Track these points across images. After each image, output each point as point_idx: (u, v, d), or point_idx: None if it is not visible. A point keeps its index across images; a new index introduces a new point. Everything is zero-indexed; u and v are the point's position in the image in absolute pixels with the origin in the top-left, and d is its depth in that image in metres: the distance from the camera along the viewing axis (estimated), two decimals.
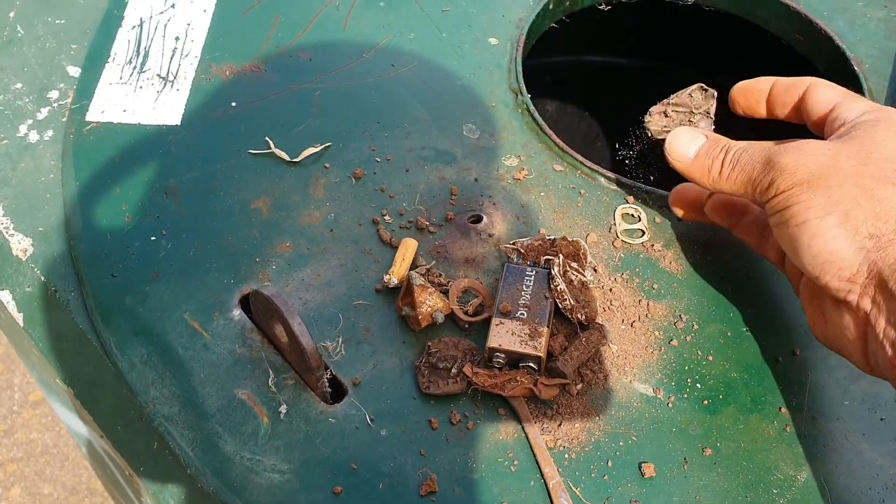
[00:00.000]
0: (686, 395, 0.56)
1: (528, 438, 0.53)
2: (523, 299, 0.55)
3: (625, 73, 1.09)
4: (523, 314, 0.55)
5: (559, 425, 0.54)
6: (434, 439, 0.53)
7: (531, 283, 0.56)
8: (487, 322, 0.56)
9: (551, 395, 0.54)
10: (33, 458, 1.91)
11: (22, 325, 0.63)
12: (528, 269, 0.57)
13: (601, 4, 0.85)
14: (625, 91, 1.01)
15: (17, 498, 1.85)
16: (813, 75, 0.80)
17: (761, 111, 0.60)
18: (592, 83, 1.11)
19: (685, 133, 0.57)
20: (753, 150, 0.52)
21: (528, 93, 0.73)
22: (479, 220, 0.64)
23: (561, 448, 0.53)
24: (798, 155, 0.49)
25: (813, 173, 0.48)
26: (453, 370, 0.55)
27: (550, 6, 0.81)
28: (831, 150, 0.49)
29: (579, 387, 0.55)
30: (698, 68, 1.01)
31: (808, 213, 0.48)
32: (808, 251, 0.48)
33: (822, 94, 0.56)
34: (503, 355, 0.54)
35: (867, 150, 0.49)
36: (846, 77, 0.77)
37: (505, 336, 0.54)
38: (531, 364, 0.54)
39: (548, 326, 0.54)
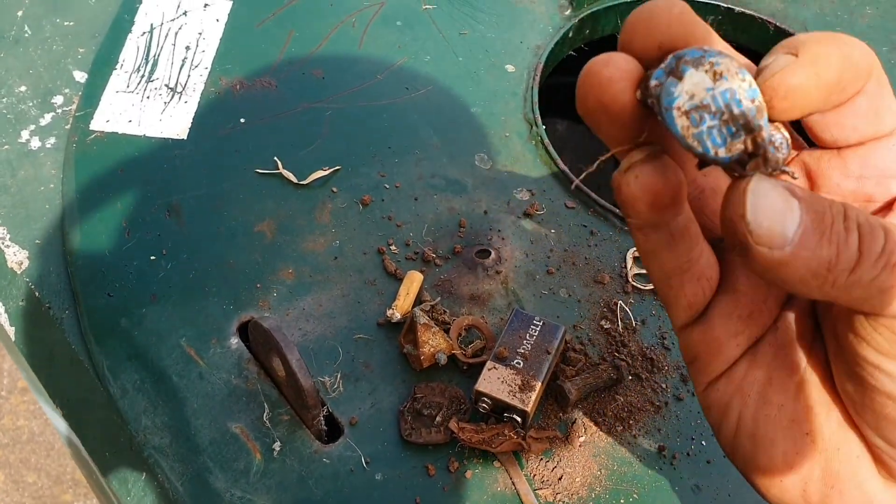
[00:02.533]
0: (690, 454, 0.54)
1: (518, 495, 0.52)
2: (523, 348, 0.54)
3: None
4: (519, 363, 0.53)
5: (560, 479, 0.52)
6: (430, 487, 0.52)
7: (535, 334, 0.54)
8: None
9: (541, 449, 0.53)
10: (19, 446, 1.89)
11: (13, 339, 0.61)
12: (537, 319, 0.55)
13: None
14: None
15: (0, 485, 1.83)
16: None
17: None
18: None
19: (773, 192, 0.27)
20: None
21: (540, 110, 0.71)
22: (486, 254, 0.63)
23: (560, 503, 0.52)
24: None
25: None
26: (438, 418, 0.53)
27: (570, 35, 0.79)
28: None
29: (582, 438, 0.54)
30: None
31: None
32: None
33: None
34: (489, 402, 0.52)
35: None
36: None
37: (495, 382, 0.53)
38: (515, 417, 0.52)
39: (542, 382, 0.53)
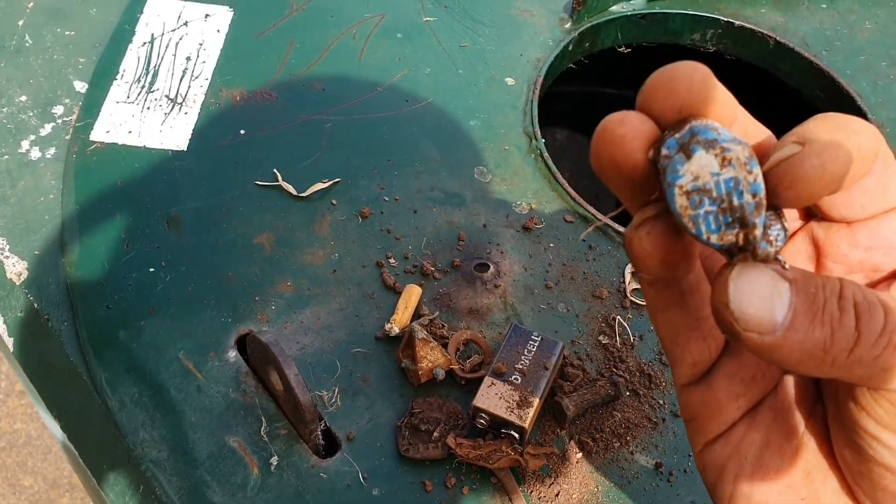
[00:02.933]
0: (687, 471, 0.55)
1: None
2: (521, 363, 0.54)
3: None
4: (517, 379, 0.53)
5: (557, 495, 0.52)
6: (427, 503, 0.52)
7: (533, 349, 0.54)
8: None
9: (538, 465, 0.53)
10: (16, 449, 1.89)
11: (11, 350, 0.61)
12: (535, 334, 0.55)
13: (621, 47, 0.84)
14: None
15: None
16: None
17: None
18: (605, 114, 1.09)
19: (759, 278, 0.27)
20: None
21: (539, 119, 0.71)
22: (485, 268, 0.63)
23: None
24: None
25: None
26: (435, 434, 0.54)
27: (570, 48, 0.79)
28: None
29: (579, 455, 0.54)
30: None
31: None
32: None
33: None
34: (487, 417, 0.53)
35: None
36: None
37: (493, 398, 0.53)
38: (513, 433, 0.52)
39: (540, 399, 0.53)
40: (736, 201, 0.25)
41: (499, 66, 0.77)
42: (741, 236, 0.26)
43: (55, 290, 0.61)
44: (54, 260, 0.62)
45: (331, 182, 0.67)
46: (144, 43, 0.75)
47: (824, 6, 0.86)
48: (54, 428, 0.81)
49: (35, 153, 0.68)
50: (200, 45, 0.75)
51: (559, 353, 0.55)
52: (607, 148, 0.28)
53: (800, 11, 0.85)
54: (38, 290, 0.61)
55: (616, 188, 0.30)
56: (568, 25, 0.80)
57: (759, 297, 0.26)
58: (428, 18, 0.80)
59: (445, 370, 0.56)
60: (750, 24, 0.83)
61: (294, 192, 0.66)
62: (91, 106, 0.70)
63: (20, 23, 0.77)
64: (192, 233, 0.63)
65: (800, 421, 0.32)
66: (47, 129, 0.70)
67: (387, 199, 0.66)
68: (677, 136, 0.26)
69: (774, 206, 0.27)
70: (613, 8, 0.82)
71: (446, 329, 0.59)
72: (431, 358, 0.55)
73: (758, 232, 0.26)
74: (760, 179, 0.25)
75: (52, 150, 0.68)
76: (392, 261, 0.63)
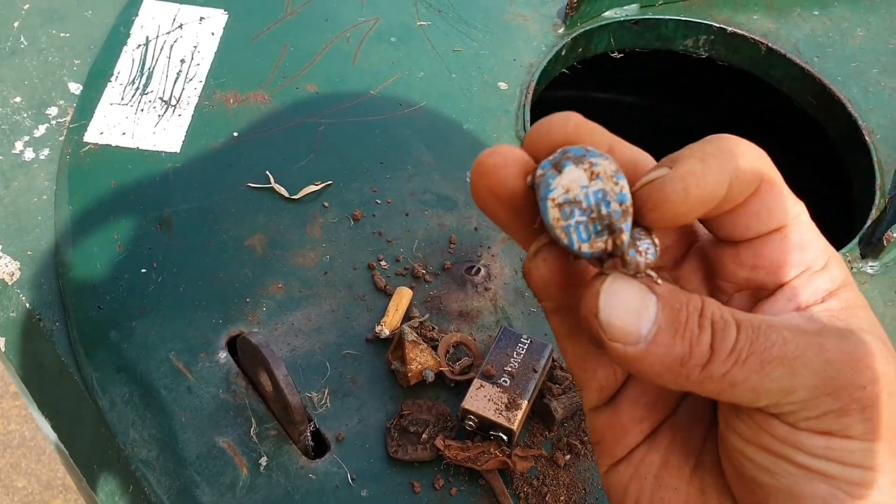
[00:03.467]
0: None
1: None
2: (510, 366, 0.54)
3: (632, 111, 1.08)
4: (506, 381, 0.54)
5: (544, 497, 0.53)
6: None
7: (522, 352, 0.55)
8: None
9: (526, 467, 0.53)
10: (9, 450, 1.89)
11: (3, 350, 0.62)
12: (524, 337, 0.55)
13: (614, 52, 0.85)
14: (631, 129, 1.00)
15: None
16: (824, 141, 0.79)
17: None
18: (596, 120, 1.10)
19: (628, 291, 0.28)
20: (781, 333, 0.28)
21: (532, 125, 0.71)
22: (476, 271, 0.63)
23: None
24: (884, 373, 0.28)
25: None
26: (424, 435, 0.54)
27: (563, 52, 0.80)
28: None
29: (567, 457, 0.54)
30: (707, 117, 1.00)
31: (891, 496, 0.28)
32: None
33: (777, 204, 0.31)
34: (476, 419, 0.53)
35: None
36: (857, 146, 0.76)
37: (481, 400, 0.53)
38: (501, 435, 0.52)
39: (528, 401, 0.53)
40: (604, 210, 0.26)
41: (492, 71, 0.77)
42: (609, 242, 0.27)
43: (47, 291, 0.61)
44: (47, 260, 0.62)
45: (323, 184, 0.67)
46: (139, 45, 0.75)
47: (816, 13, 0.86)
48: (48, 429, 0.81)
49: (29, 154, 0.68)
50: (195, 47, 0.75)
51: (548, 356, 0.55)
52: (482, 179, 0.29)
53: (792, 18, 0.85)
54: (31, 290, 0.61)
55: (501, 222, 0.30)
56: (561, 31, 0.81)
57: (626, 310, 0.27)
58: (422, 23, 0.80)
59: (435, 372, 0.56)
60: (742, 31, 0.83)
61: (286, 194, 0.66)
62: (85, 107, 0.71)
63: (15, 24, 0.77)
64: (184, 234, 0.63)
65: (698, 441, 0.33)
66: (41, 130, 0.70)
67: (379, 201, 0.67)
68: (551, 157, 0.27)
69: (646, 227, 0.28)
70: (606, 13, 0.82)
71: (436, 331, 0.59)
72: (421, 360, 0.56)
73: (625, 237, 0.26)
74: (627, 190, 0.27)
75: (46, 151, 0.69)
76: (383, 263, 0.63)
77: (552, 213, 0.27)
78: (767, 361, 0.27)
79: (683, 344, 0.27)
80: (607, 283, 0.27)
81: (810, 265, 0.31)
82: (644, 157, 0.31)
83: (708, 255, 0.32)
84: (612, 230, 0.26)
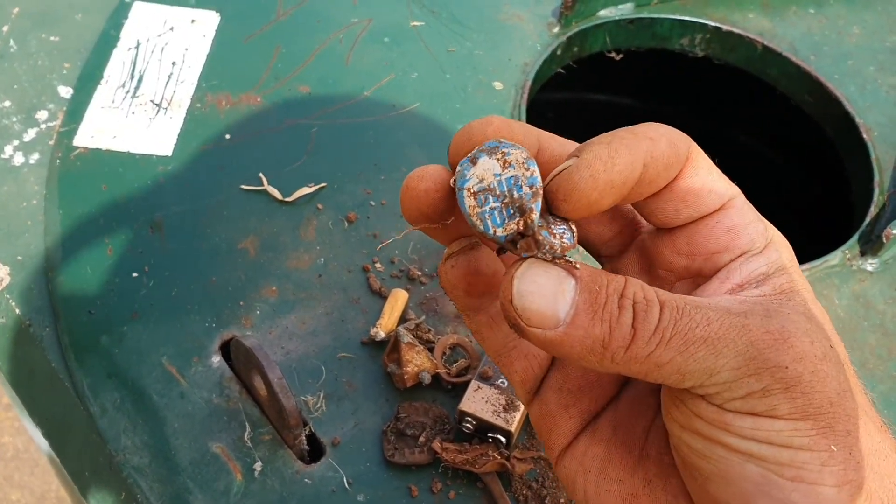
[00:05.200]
0: None
1: None
2: None
3: (628, 113, 1.08)
4: (503, 383, 0.53)
5: (544, 499, 0.52)
6: None
7: None
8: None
9: (525, 469, 0.52)
10: (3, 463, 1.87)
11: None
12: None
13: (609, 52, 0.84)
14: None
15: None
16: (821, 139, 0.78)
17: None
18: (594, 121, 1.09)
19: (544, 275, 0.27)
20: (706, 314, 0.27)
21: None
22: None
23: None
24: (808, 352, 0.27)
25: (832, 400, 0.27)
26: (421, 438, 0.53)
27: (558, 52, 0.79)
28: (830, 354, 0.28)
29: None
30: (704, 116, 1.00)
31: (820, 474, 0.27)
32: None
33: (709, 184, 0.31)
34: (473, 422, 0.52)
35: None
36: (854, 144, 0.76)
37: (479, 402, 0.52)
38: (500, 437, 0.52)
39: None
40: (516, 194, 0.27)
41: (487, 71, 0.77)
42: (521, 223, 0.27)
43: (37, 296, 0.60)
44: (37, 265, 0.61)
45: (317, 186, 0.66)
46: (130, 48, 0.75)
47: (812, 11, 0.86)
48: (40, 439, 0.80)
49: (19, 158, 0.67)
50: (186, 50, 0.75)
51: None
52: (412, 203, 0.30)
53: (788, 17, 0.85)
54: (20, 295, 0.60)
55: (438, 237, 0.31)
56: (556, 30, 0.80)
57: (541, 294, 0.27)
58: (415, 23, 0.80)
59: (431, 374, 0.55)
60: (738, 30, 0.83)
61: (280, 196, 0.65)
62: (75, 111, 0.70)
63: (5, 28, 0.76)
64: (175, 237, 0.62)
65: (641, 432, 0.32)
66: (31, 134, 0.69)
67: (373, 203, 0.66)
68: (469, 155, 0.28)
69: (563, 218, 0.28)
70: (602, 13, 0.82)
71: (432, 333, 0.58)
72: (417, 362, 0.55)
73: (535, 216, 0.27)
74: (538, 174, 0.27)
75: (36, 156, 0.68)
76: (378, 265, 0.62)
77: (468, 202, 0.28)
78: (691, 342, 0.26)
79: (603, 325, 0.27)
80: (521, 269, 0.27)
81: (747, 249, 0.31)
82: (573, 149, 0.31)
83: (647, 247, 0.33)
84: (522, 211, 0.27)
